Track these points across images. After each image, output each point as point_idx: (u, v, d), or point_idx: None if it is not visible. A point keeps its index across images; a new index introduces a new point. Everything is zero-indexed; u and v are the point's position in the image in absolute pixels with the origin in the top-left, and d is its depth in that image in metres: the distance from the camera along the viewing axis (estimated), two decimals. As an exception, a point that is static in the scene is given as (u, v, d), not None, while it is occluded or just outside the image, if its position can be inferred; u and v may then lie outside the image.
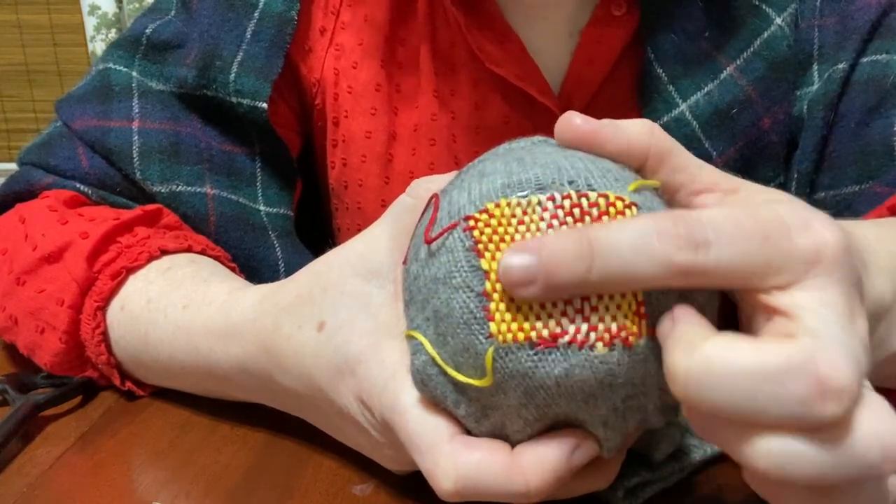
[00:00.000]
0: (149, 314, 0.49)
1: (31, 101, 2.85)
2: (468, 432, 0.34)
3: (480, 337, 0.31)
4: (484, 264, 0.31)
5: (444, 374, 0.33)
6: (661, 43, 0.59)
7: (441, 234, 0.33)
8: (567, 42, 0.62)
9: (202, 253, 0.55)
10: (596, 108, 0.62)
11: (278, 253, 0.61)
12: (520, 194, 0.32)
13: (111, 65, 0.62)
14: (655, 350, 0.31)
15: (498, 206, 0.32)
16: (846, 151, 0.58)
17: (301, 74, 0.64)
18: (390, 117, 0.64)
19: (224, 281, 0.49)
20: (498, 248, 0.31)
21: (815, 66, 0.60)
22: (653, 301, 0.31)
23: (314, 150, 0.69)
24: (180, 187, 0.58)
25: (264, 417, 0.47)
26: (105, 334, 0.50)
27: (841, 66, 0.58)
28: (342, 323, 0.37)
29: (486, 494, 0.32)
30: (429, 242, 0.34)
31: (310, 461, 0.44)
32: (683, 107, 0.59)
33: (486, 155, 0.37)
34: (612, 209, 0.31)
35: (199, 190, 0.59)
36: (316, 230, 0.72)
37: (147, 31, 0.62)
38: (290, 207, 0.64)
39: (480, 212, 0.32)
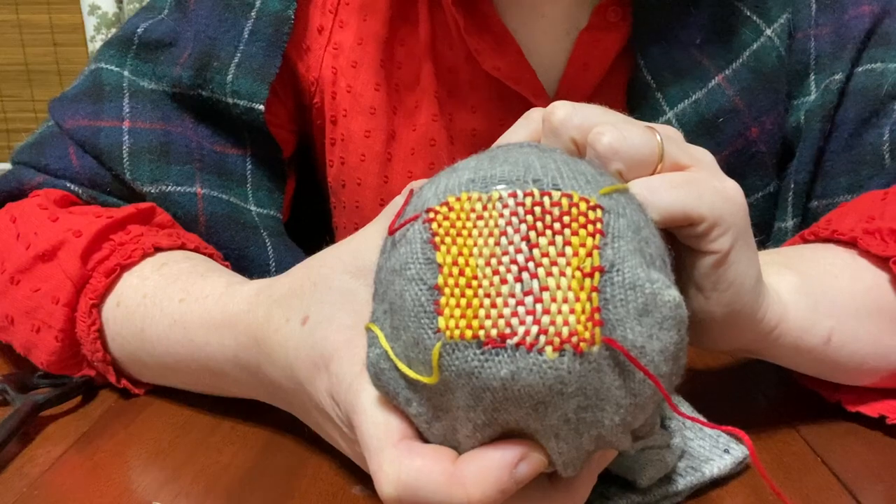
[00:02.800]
0: (145, 309, 0.49)
1: (31, 100, 2.86)
2: (422, 435, 0.33)
3: (429, 331, 0.30)
4: (439, 257, 0.30)
5: (397, 368, 0.32)
6: (652, 50, 0.60)
7: (402, 224, 0.32)
8: (564, 41, 0.62)
9: (195, 251, 0.55)
10: None
11: (269, 252, 0.61)
12: (482, 189, 0.31)
13: (103, 64, 0.62)
14: (612, 361, 0.30)
15: (458, 199, 0.31)
16: (839, 161, 0.58)
17: (299, 73, 0.64)
18: (389, 117, 0.64)
19: (222, 276, 0.50)
20: (454, 242, 0.30)
21: (812, 76, 0.60)
22: (610, 309, 0.30)
23: (313, 148, 0.69)
24: (170, 187, 0.58)
25: (264, 417, 0.47)
26: (101, 331, 0.50)
27: (837, 76, 0.58)
28: (323, 318, 0.37)
29: (427, 502, 0.31)
30: (391, 233, 0.33)
31: (310, 461, 0.44)
32: (670, 114, 0.59)
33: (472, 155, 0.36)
34: (574, 209, 0.30)
35: (188, 190, 0.59)
36: (315, 228, 0.72)
37: (139, 30, 0.62)
38: (280, 210, 0.64)
39: (441, 204, 0.31)
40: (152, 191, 0.58)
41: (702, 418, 0.43)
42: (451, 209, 0.31)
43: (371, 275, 0.36)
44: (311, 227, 0.71)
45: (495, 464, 0.30)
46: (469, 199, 0.31)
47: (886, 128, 0.57)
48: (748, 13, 0.60)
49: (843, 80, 0.58)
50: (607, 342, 0.29)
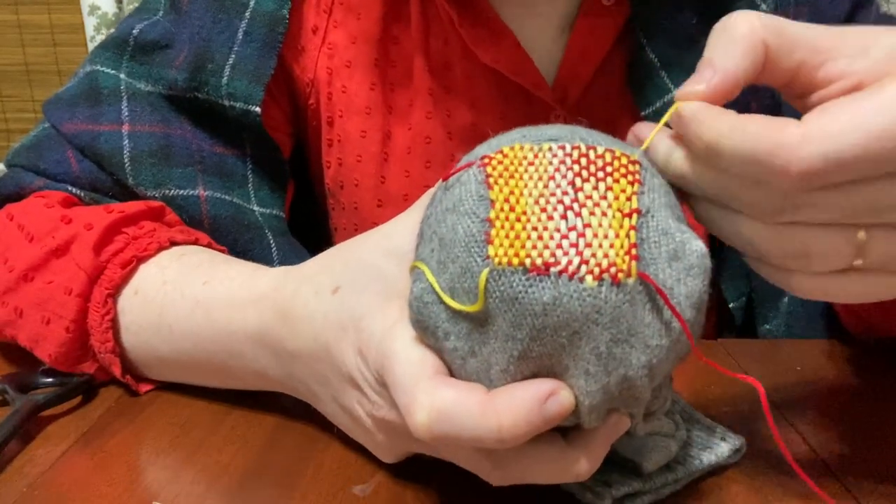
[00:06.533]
0: (164, 296, 0.49)
1: (31, 101, 2.85)
2: (454, 376, 0.35)
3: (478, 259, 0.32)
4: (492, 195, 0.33)
5: (440, 301, 0.34)
6: (653, 29, 0.60)
7: (457, 170, 0.35)
8: (559, 37, 0.62)
9: (208, 247, 0.55)
10: (590, 100, 0.63)
11: (274, 252, 0.61)
12: (533, 143, 0.35)
13: (99, 67, 0.62)
14: (644, 296, 0.32)
15: (512, 149, 0.34)
16: None
17: (294, 74, 0.64)
18: (385, 116, 0.64)
19: (246, 264, 0.50)
20: (507, 183, 0.33)
21: None
22: (645, 248, 0.33)
23: (308, 150, 0.69)
24: (173, 191, 0.58)
25: (264, 418, 0.48)
26: (114, 321, 0.50)
27: None
28: (355, 288, 0.39)
29: (458, 432, 0.32)
30: (445, 179, 0.36)
31: (310, 461, 0.44)
32: (675, 92, 0.60)
33: None
34: (616, 162, 0.34)
35: (191, 193, 0.59)
36: (312, 230, 0.72)
37: (134, 31, 0.62)
38: (283, 209, 0.64)
39: (496, 152, 0.35)
40: (156, 195, 0.58)
41: (703, 407, 0.44)
42: (504, 156, 0.34)
43: (401, 255, 0.38)
44: (309, 229, 0.71)
45: (528, 395, 0.32)
46: (521, 148, 0.34)
47: None
48: None
49: None
50: (641, 276, 0.32)
